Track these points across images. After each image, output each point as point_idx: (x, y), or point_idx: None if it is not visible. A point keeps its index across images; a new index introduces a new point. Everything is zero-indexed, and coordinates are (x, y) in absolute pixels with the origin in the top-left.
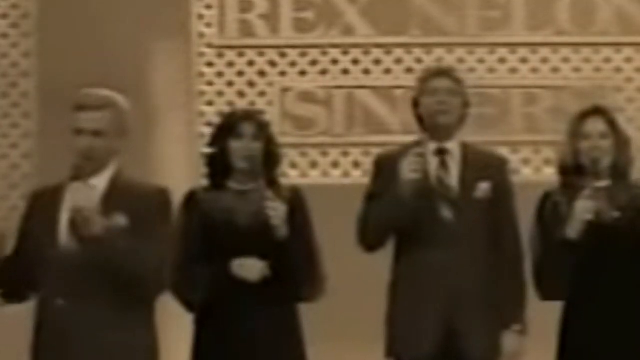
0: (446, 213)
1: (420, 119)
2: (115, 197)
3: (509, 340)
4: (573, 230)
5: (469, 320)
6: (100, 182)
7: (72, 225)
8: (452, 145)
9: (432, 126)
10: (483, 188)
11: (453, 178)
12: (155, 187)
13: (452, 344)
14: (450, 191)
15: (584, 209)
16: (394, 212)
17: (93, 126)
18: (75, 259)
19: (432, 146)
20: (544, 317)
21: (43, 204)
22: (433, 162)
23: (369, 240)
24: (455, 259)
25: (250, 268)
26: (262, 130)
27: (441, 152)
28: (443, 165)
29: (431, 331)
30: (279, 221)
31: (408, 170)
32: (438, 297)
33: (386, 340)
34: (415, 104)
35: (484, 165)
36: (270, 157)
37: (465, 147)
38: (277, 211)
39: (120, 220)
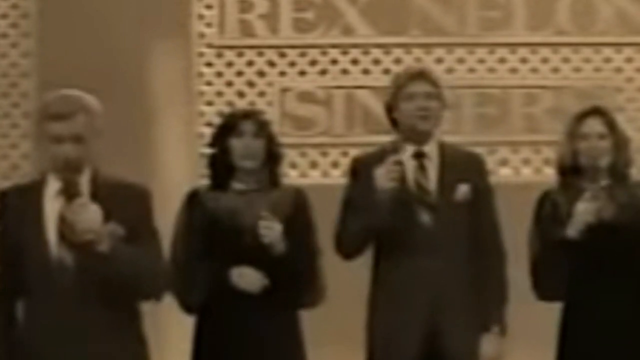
0: (425, 217)
1: (394, 123)
2: (98, 201)
3: (488, 342)
4: (574, 230)
5: (450, 324)
6: (82, 181)
7: (61, 235)
8: (430, 148)
9: (411, 131)
10: (462, 190)
11: (431, 181)
12: (135, 187)
13: (433, 348)
14: (429, 195)
15: (585, 210)
16: (371, 220)
17: (72, 132)
18: (69, 272)
19: (410, 149)
20: (542, 318)
21: (19, 210)
22: (411, 166)
23: (346, 248)
24: (435, 264)
25: (249, 279)
26: (263, 128)
27: (419, 155)
28: (421, 168)
29: (412, 337)
30: (271, 241)
31: (385, 179)
32: (418, 302)
33: (366, 347)
34: (389, 108)
35: (462, 166)
36: (271, 156)
37: (443, 148)
38: (271, 231)
39: (117, 229)
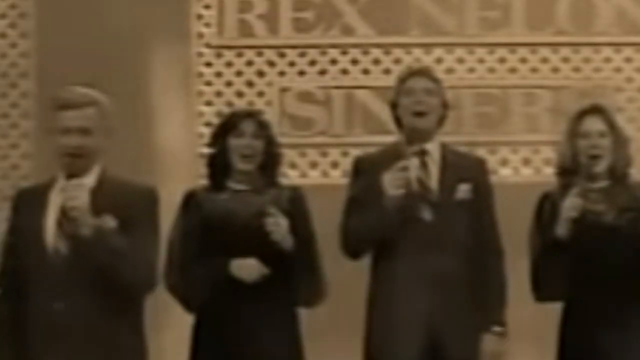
0: (426, 214)
1: (398, 121)
2: (103, 196)
3: (488, 343)
4: (561, 228)
5: (450, 323)
6: (88, 181)
7: (59, 225)
8: (432, 147)
9: (411, 127)
10: (463, 189)
11: (433, 179)
12: (142, 186)
13: (432, 348)
14: (431, 192)
15: (570, 206)
16: (378, 226)
17: (80, 124)
18: (64, 260)
19: (412, 147)
20: (542, 318)
21: (29, 204)
22: (413, 163)
23: (352, 248)
24: (436, 260)
25: (248, 269)
26: (263, 129)
27: (421, 153)
28: (423, 166)
29: (411, 335)
30: (280, 237)
31: (392, 186)
32: (418, 300)
33: (364, 345)
34: (393, 105)
35: (463, 166)
36: (270, 157)
37: (444, 148)
38: (279, 227)
39: (110, 222)
